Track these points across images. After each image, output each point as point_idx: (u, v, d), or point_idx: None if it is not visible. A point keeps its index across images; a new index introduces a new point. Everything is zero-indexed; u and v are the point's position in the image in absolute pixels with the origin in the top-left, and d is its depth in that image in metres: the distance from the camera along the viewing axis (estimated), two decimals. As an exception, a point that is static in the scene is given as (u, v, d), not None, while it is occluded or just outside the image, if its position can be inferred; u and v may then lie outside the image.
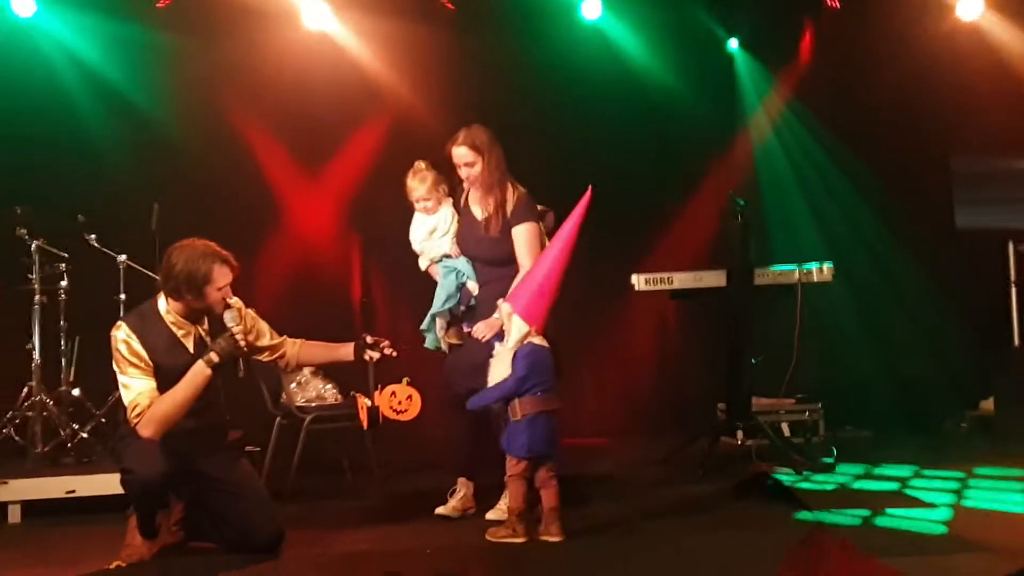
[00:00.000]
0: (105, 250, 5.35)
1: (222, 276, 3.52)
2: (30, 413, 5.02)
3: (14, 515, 4.33)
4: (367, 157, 6.69)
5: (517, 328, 3.66)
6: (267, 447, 4.92)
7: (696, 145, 6.79)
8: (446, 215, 4.23)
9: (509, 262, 4.04)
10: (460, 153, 4.04)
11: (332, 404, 5.07)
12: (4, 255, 5.26)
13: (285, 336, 3.94)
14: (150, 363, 3.45)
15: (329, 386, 5.10)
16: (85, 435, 5.09)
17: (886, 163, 6.74)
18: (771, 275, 5.36)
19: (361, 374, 4.30)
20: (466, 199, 4.25)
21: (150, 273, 5.30)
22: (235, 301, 3.67)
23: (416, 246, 4.33)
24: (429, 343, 4.26)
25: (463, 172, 4.07)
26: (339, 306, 6.72)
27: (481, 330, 3.94)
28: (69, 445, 4.99)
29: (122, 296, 5.36)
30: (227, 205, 6.10)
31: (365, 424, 3.79)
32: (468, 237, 4.17)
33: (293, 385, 5.06)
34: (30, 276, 5.18)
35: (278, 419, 4.99)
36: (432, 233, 4.24)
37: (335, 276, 6.76)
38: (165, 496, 3.57)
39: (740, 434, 5.58)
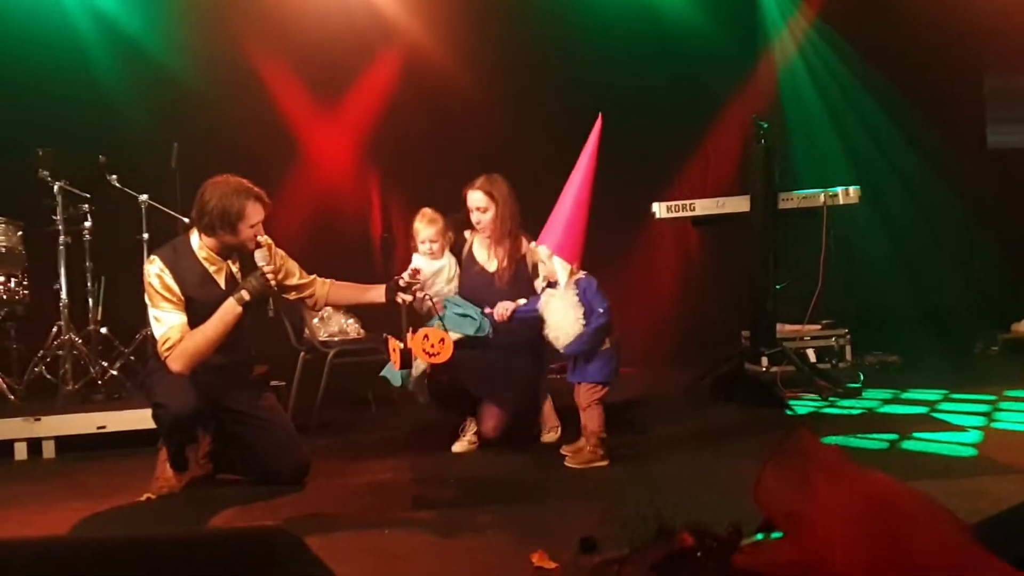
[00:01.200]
0: (127, 190, 5.37)
1: (255, 213, 3.52)
2: (60, 352, 5.11)
3: (48, 450, 4.44)
4: (383, 91, 6.64)
5: (561, 267, 3.70)
6: (292, 382, 4.99)
7: (717, 70, 6.63)
8: (451, 262, 4.24)
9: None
10: (475, 198, 4.11)
11: (355, 339, 5.11)
12: (29, 198, 5.29)
13: (315, 275, 3.94)
14: (182, 297, 3.47)
15: (351, 321, 5.14)
16: (114, 372, 5.17)
17: (915, 82, 6.54)
18: (796, 199, 5.26)
19: (386, 314, 4.30)
20: (470, 249, 4.27)
21: (171, 212, 5.33)
22: (265, 239, 3.68)
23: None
24: (393, 377, 4.06)
25: (475, 216, 4.14)
26: (360, 241, 6.73)
27: (500, 309, 3.94)
28: (99, 382, 5.09)
29: (145, 235, 5.39)
30: (246, 142, 6.08)
31: (398, 366, 3.77)
32: (478, 287, 4.18)
33: (316, 320, 5.10)
34: (54, 217, 5.21)
35: (302, 354, 5.04)
36: (435, 276, 4.17)
37: (355, 211, 6.76)
38: (195, 430, 3.63)
39: (764, 361, 5.55)
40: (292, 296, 3.92)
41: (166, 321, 3.43)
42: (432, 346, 3.74)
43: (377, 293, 3.89)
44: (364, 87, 6.64)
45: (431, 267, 4.15)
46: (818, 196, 5.22)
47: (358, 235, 6.74)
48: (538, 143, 6.14)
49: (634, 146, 5.80)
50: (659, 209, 5.29)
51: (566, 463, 3.74)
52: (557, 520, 2.97)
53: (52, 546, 1.34)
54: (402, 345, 3.72)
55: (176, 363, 3.40)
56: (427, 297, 3.97)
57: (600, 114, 3.76)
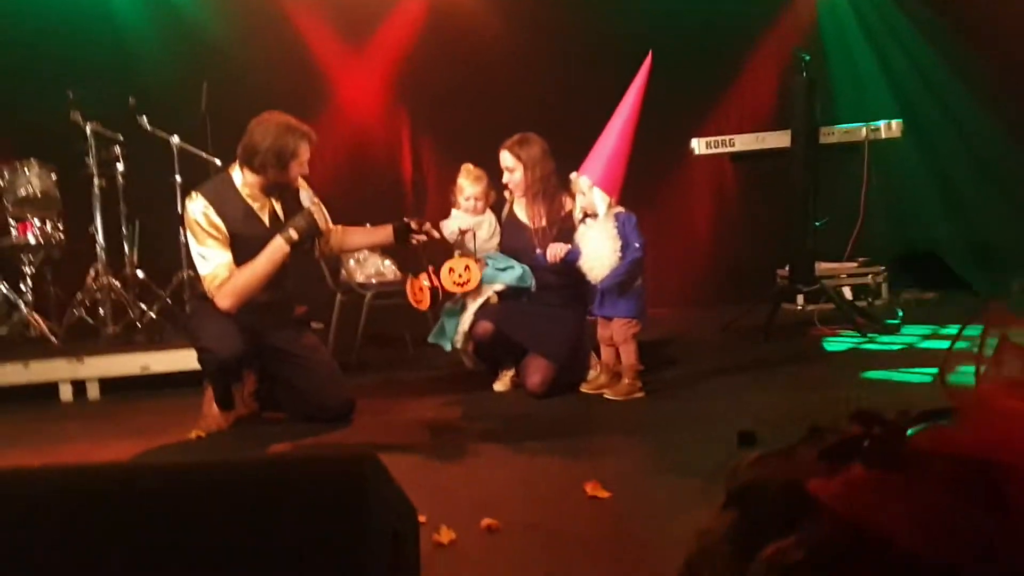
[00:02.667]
0: (158, 132, 5.33)
1: (306, 151, 3.51)
2: (98, 295, 5.13)
3: (92, 391, 4.49)
4: (411, 30, 6.52)
5: (600, 198, 3.69)
6: (330, 323, 5.00)
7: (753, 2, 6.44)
8: (491, 220, 4.20)
9: (560, 271, 3.94)
10: (504, 157, 4.08)
11: (392, 280, 5.10)
12: (61, 141, 5.27)
13: (337, 226, 3.93)
14: (227, 234, 3.45)
15: (388, 262, 5.12)
16: (153, 315, 5.20)
17: (960, 10, 6.31)
18: (837, 133, 5.15)
19: (408, 255, 4.28)
20: (511, 208, 4.22)
21: (203, 154, 5.29)
22: (306, 189, 3.71)
23: (449, 236, 4.15)
24: (443, 342, 4.11)
25: (505, 176, 4.10)
26: (390, 184, 6.68)
27: (554, 250, 3.84)
28: (138, 325, 5.12)
29: (177, 178, 5.36)
30: (274, 83, 6.00)
31: (426, 305, 3.77)
32: (518, 246, 4.11)
33: (352, 262, 5.09)
34: (87, 160, 5.20)
35: (339, 295, 5.05)
36: (476, 230, 4.11)
37: (385, 154, 6.69)
38: (240, 372, 3.65)
39: (801, 299, 5.50)
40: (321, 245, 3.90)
41: (212, 259, 3.42)
42: (459, 276, 3.74)
43: (385, 233, 3.86)
44: (392, 26, 6.52)
45: (471, 222, 4.13)
46: (860, 130, 5.12)
47: (389, 177, 6.69)
48: (573, 86, 6.03)
49: (669, 81, 5.65)
50: (698, 145, 5.21)
51: (605, 395, 3.76)
52: (606, 452, 2.98)
53: (137, 471, 1.34)
54: (428, 284, 3.71)
55: (225, 300, 3.39)
56: (461, 235, 3.95)
57: (651, 51, 3.76)
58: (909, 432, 0.59)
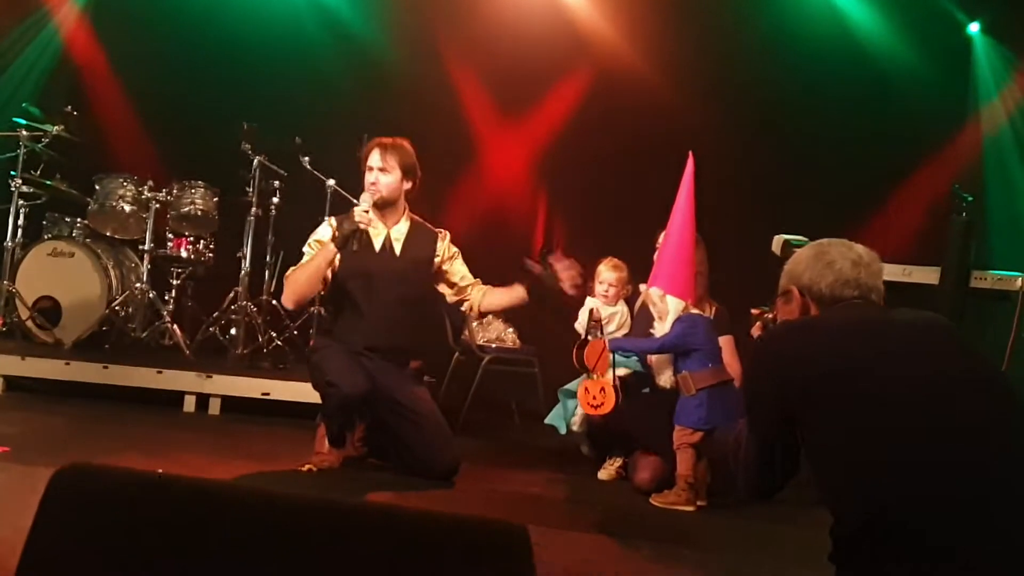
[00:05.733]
0: (316, 173, 5.61)
1: (373, 157, 3.71)
2: (234, 316, 5.37)
3: (214, 407, 4.67)
4: (566, 108, 6.70)
5: (674, 305, 3.69)
6: (443, 379, 5.07)
7: (917, 130, 6.32)
8: (624, 311, 4.26)
9: None
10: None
11: (511, 347, 5.15)
12: (228, 168, 5.61)
13: (477, 280, 3.95)
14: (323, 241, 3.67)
15: (510, 330, 5.19)
16: (279, 343, 5.40)
17: None
18: (990, 279, 4.94)
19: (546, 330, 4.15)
20: (643, 303, 4.14)
21: (354, 200, 5.52)
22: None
23: (580, 322, 4.20)
24: (559, 424, 4.13)
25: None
26: (519, 252, 6.78)
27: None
28: (264, 350, 5.32)
29: (326, 218, 5.60)
30: (429, 144, 6.20)
31: (608, 407, 3.71)
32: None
33: (475, 324, 5.17)
34: (248, 189, 5.51)
35: (456, 354, 5.12)
36: (607, 321, 4.18)
37: (519, 223, 6.83)
38: (360, 412, 3.70)
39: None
40: (451, 296, 3.96)
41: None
42: (594, 398, 3.70)
43: (519, 290, 3.82)
44: (549, 103, 6.73)
45: (604, 312, 4.17)
46: (1015, 280, 4.90)
47: (518, 246, 6.80)
48: (724, 181, 6.04)
49: (821, 196, 5.64)
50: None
51: (651, 499, 3.64)
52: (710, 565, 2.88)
53: (296, 502, 1.38)
54: (611, 382, 3.74)
55: (284, 297, 3.70)
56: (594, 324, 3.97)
57: (691, 152, 3.77)
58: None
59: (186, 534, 1.33)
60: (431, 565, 1.16)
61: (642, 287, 3.87)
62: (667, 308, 3.67)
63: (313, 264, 3.61)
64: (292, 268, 3.68)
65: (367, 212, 3.59)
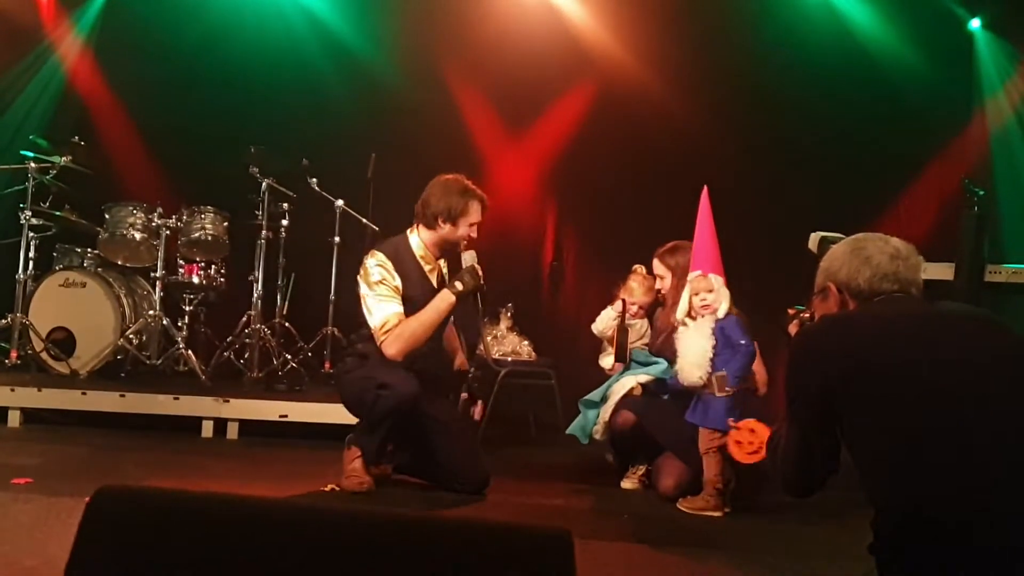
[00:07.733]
0: (324, 194, 5.62)
1: (475, 212, 3.65)
2: (248, 340, 5.37)
3: (232, 431, 4.65)
4: (571, 123, 6.71)
5: (726, 296, 3.64)
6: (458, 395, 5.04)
7: (924, 126, 6.31)
8: (643, 323, 4.24)
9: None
10: (655, 264, 4.11)
11: (526, 360, 5.14)
12: (236, 191, 5.62)
13: None
14: (400, 289, 3.58)
15: (526, 343, 5.18)
16: (294, 365, 5.39)
17: None
18: (1005, 273, 4.91)
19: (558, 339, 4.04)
20: (663, 309, 4.19)
21: (363, 219, 5.54)
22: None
23: (604, 327, 4.22)
24: (578, 431, 4.10)
25: (657, 282, 4.14)
26: (530, 267, 6.80)
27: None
28: (280, 373, 5.31)
29: (336, 239, 5.62)
30: (436, 159, 6.24)
31: (763, 453, 3.05)
32: (666, 348, 4.01)
33: (490, 338, 5.16)
34: (257, 213, 5.51)
35: (472, 369, 5.10)
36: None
37: (529, 237, 6.83)
38: (412, 414, 3.55)
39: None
40: None
41: (384, 309, 3.53)
42: (749, 443, 3.20)
43: (461, 360, 4.02)
44: (554, 117, 6.74)
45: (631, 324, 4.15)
46: (1031, 272, 4.87)
47: (528, 262, 6.82)
48: (729, 191, 6.03)
49: (832, 196, 5.62)
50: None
51: (679, 504, 3.61)
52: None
53: (336, 517, 1.36)
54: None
55: (392, 347, 3.48)
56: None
57: (705, 187, 3.74)
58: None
59: (227, 551, 1.32)
60: (478, 573, 1.15)
61: (690, 276, 3.73)
62: (723, 296, 3.63)
63: (434, 317, 3.56)
64: (394, 318, 3.50)
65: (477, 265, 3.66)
